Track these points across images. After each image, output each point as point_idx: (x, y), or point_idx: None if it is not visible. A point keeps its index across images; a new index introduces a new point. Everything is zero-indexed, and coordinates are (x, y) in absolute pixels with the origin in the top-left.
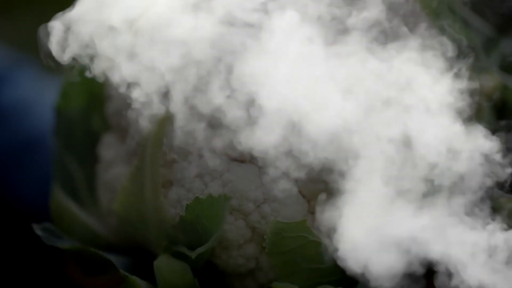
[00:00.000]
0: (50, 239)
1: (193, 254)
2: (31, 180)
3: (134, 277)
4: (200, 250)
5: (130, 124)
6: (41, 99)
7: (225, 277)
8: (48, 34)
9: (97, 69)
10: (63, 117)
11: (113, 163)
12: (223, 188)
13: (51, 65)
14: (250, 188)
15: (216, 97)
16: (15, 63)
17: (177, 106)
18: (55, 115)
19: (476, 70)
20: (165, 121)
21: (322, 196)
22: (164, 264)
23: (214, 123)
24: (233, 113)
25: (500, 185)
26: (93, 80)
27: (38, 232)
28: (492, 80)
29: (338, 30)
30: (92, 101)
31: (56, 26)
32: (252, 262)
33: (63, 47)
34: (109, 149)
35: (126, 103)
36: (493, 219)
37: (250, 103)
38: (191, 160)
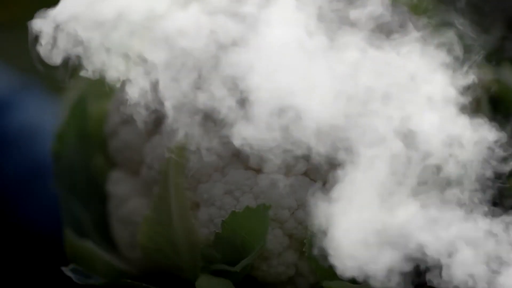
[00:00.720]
0: (81, 279)
1: (237, 268)
2: (41, 205)
3: None
4: (244, 262)
5: (146, 154)
6: (47, 122)
7: (265, 287)
8: (37, 35)
9: (89, 67)
10: (61, 160)
11: (127, 197)
12: (255, 200)
13: (39, 68)
14: (282, 196)
15: (211, 90)
16: (20, 87)
17: (171, 101)
18: (53, 159)
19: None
20: (185, 145)
21: (318, 187)
22: (206, 284)
23: (210, 118)
24: (229, 107)
25: (499, 177)
26: (86, 119)
27: (69, 274)
28: (489, 73)
29: (340, 22)
30: (89, 140)
31: (44, 25)
32: (292, 269)
33: (53, 46)
34: (119, 185)
35: (134, 136)
36: (492, 211)
37: (246, 96)
38: (216, 178)
